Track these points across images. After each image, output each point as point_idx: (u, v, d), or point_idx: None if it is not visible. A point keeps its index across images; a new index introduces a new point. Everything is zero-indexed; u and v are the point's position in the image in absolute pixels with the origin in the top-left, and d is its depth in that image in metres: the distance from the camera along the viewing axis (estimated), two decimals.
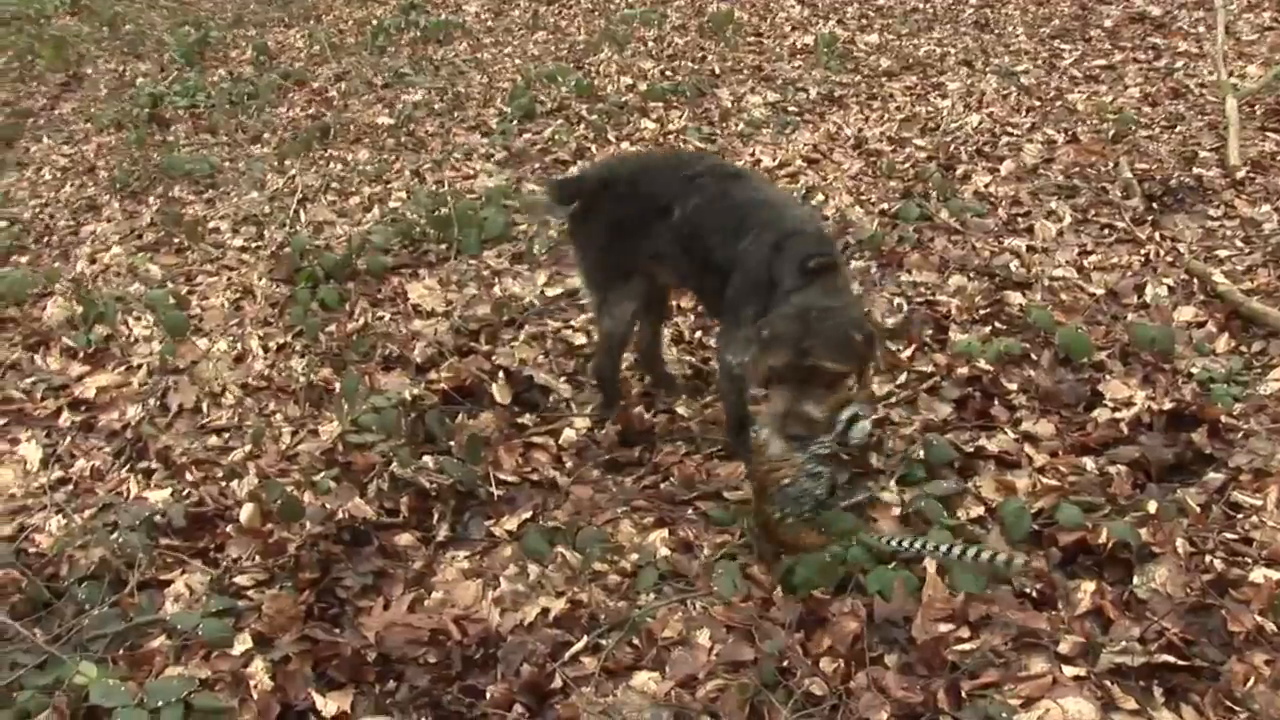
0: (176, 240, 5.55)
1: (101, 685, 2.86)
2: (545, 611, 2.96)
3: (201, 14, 10.60)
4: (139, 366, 4.37)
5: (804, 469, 3.03)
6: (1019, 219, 5.22)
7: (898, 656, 2.69)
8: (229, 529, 3.33)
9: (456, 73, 7.87)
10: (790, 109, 7.02)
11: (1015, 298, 4.45)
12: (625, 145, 6.41)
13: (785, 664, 2.67)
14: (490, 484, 3.49)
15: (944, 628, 2.74)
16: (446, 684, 2.77)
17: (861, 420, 3.10)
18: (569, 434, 3.76)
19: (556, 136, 6.65)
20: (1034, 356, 3.99)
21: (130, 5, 10.87)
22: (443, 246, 5.00)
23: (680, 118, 6.89)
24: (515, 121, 7.01)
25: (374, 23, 9.62)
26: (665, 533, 3.22)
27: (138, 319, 4.69)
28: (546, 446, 3.71)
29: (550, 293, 4.79)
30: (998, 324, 4.27)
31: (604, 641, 2.81)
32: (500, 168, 6.14)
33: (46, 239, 6.06)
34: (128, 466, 3.75)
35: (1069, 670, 2.60)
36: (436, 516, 3.36)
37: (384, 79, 7.88)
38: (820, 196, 5.53)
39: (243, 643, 2.99)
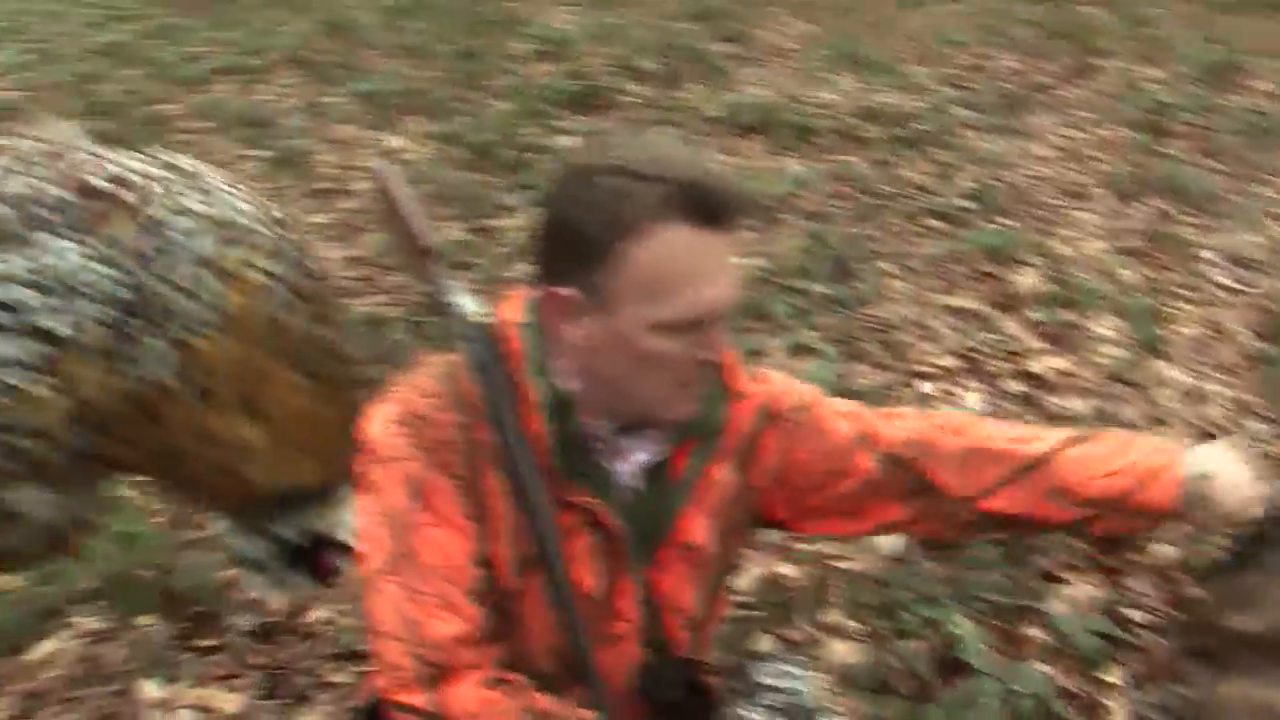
0: (1160, 256, 5.45)
1: (974, 644, 2.98)
2: None
3: (1227, 32, 10.20)
4: (1093, 364, 4.40)
5: None
6: None
7: None
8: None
9: None
10: None
11: None
12: None
13: None
14: None
15: None
16: None
17: None
18: None
19: None
20: None
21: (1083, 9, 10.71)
22: None
23: None
24: None
25: None
26: None
27: (1101, 318, 4.70)
28: None
29: None
30: None
31: None
32: None
33: (1026, 210, 6.28)
34: None
35: None
36: None
37: None
38: None
39: (1109, 673, 2.95)
